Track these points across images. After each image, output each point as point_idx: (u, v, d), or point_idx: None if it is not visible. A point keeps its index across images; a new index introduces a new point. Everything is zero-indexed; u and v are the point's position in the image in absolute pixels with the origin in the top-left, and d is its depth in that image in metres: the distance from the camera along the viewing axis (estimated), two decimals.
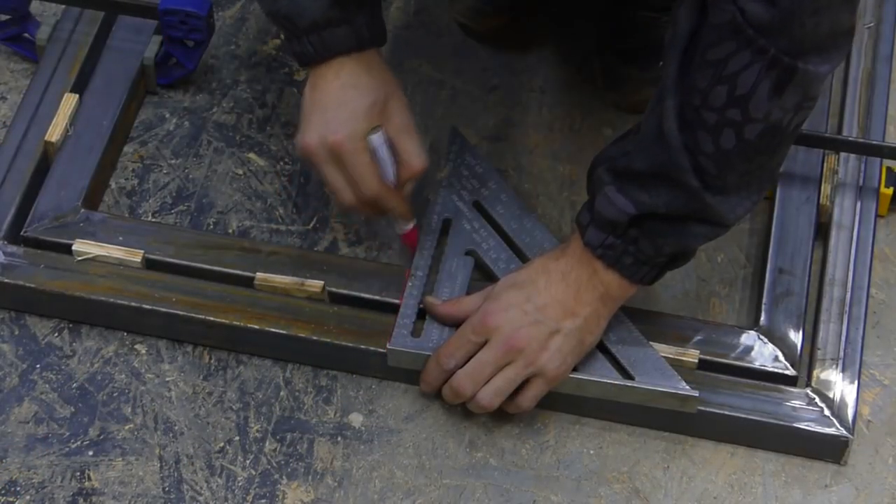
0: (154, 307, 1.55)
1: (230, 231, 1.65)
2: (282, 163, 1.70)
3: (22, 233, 1.60)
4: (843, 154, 1.66)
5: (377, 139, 1.48)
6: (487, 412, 1.50)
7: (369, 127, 1.48)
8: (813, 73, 1.29)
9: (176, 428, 1.52)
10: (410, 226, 1.56)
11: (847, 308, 1.56)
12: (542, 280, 1.46)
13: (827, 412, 1.50)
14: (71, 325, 1.58)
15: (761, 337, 1.55)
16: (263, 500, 1.48)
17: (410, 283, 1.55)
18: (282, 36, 1.78)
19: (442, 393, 1.51)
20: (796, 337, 1.55)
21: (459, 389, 1.48)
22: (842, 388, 1.52)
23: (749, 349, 1.54)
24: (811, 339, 1.56)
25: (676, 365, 1.51)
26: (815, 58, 1.28)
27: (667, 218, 1.38)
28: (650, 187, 1.37)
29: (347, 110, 1.46)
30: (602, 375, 1.49)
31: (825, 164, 1.66)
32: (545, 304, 1.45)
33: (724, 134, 1.31)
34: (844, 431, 1.49)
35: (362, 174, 1.48)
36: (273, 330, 1.54)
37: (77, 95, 1.68)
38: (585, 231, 1.43)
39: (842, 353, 1.54)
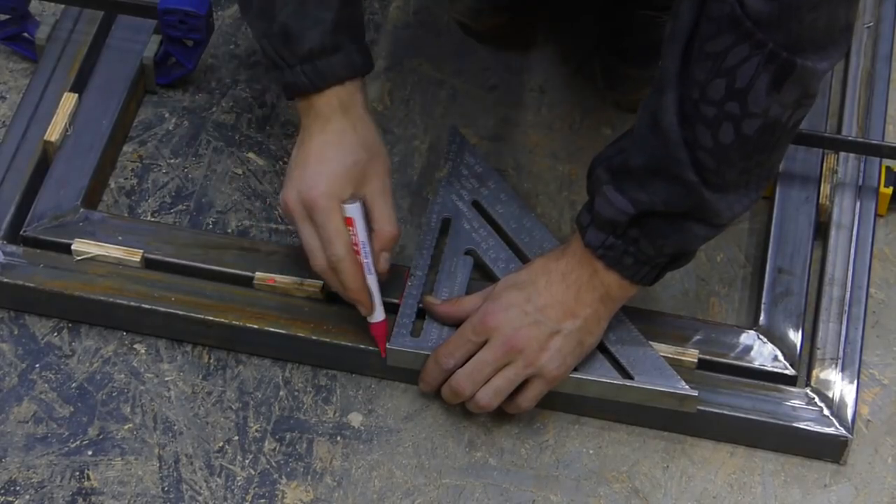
0: (153, 307, 1.55)
1: (229, 230, 1.65)
2: (281, 162, 1.70)
3: (21, 232, 1.60)
4: (842, 153, 1.66)
5: (353, 208, 1.44)
6: (486, 412, 1.50)
7: (348, 187, 1.44)
8: (811, 69, 1.29)
9: (175, 427, 1.52)
10: (375, 318, 1.49)
11: (846, 308, 1.56)
12: (542, 280, 1.46)
13: (826, 412, 1.50)
14: (70, 325, 1.58)
15: (761, 336, 1.55)
16: (263, 500, 1.48)
17: (410, 283, 1.55)
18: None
19: (441, 392, 1.50)
20: (796, 336, 1.55)
21: (458, 389, 1.48)
22: (841, 387, 1.52)
23: (748, 349, 1.54)
24: (811, 338, 1.56)
25: (676, 365, 1.51)
26: (814, 54, 1.28)
27: (666, 216, 1.38)
28: (648, 184, 1.37)
29: (328, 168, 1.44)
30: (601, 375, 1.49)
31: (825, 164, 1.66)
32: (545, 305, 1.45)
33: (722, 128, 1.31)
34: (844, 431, 1.49)
35: (331, 236, 1.43)
36: (272, 329, 1.54)
37: (76, 95, 1.68)
38: (585, 232, 1.43)
39: (841, 353, 1.54)
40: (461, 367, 1.48)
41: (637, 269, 1.43)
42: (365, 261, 1.46)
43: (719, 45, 1.28)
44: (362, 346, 1.53)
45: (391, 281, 1.56)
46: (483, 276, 1.57)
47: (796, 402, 1.51)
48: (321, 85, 1.44)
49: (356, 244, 1.45)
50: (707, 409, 1.50)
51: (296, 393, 1.55)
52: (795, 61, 1.27)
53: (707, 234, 1.40)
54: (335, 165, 1.44)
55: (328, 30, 1.42)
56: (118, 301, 1.55)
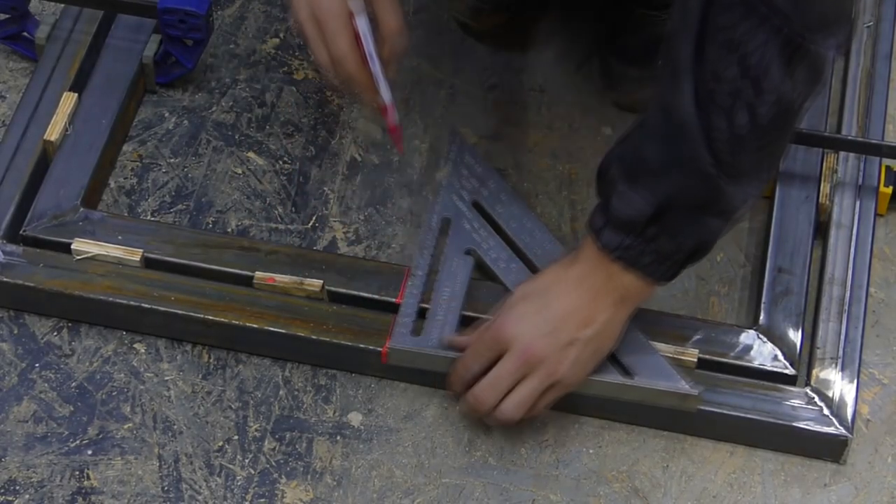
0: (153, 306, 1.55)
1: (229, 230, 1.65)
2: (281, 162, 1.70)
3: (21, 232, 1.60)
4: (842, 153, 1.66)
5: (361, 22, 1.44)
6: (510, 425, 1.49)
7: (356, 2, 1.43)
8: (823, 54, 1.31)
9: (175, 427, 1.52)
10: (390, 118, 1.49)
11: (846, 307, 1.56)
12: (555, 289, 1.45)
13: (826, 411, 1.50)
14: (70, 324, 1.58)
15: (761, 336, 1.55)
16: (262, 500, 1.48)
17: (410, 283, 1.55)
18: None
19: (460, 408, 1.50)
20: (795, 336, 1.55)
21: (480, 400, 1.46)
22: (841, 387, 1.52)
23: (748, 348, 1.54)
24: (810, 338, 1.56)
25: (675, 364, 1.51)
26: (824, 39, 1.30)
27: (684, 211, 1.37)
28: (665, 179, 1.36)
29: None
30: (602, 374, 1.49)
31: (824, 163, 1.66)
32: (560, 314, 1.44)
33: (738, 114, 1.31)
34: (844, 430, 1.49)
35: (341, 49, 1.44)
36: (272, 329, 1.54)
37: (76, 94, 1.68)
38: (601, 234, 1.41)
39: (841, 352, 1.54)
40: (480, 377, 1.47)
41: (656, 267, 1.42)
42: (374, 70, 1.46)
43: (734, 31, 1.28)
44: (362, 346, 1.53)
45: (390, 280, 1.56)
46: (483, 276, 1.57)
47: (796, 402, 1.51)
48: None
49: (366, 54, 1.45)
50: (707, 408, 1.50)
51: (295, 392, 1.55)
52: (809, 45, 1.29)
53: (721, 226, 1.40)
54: None
55: None
56: (118, 300, 1.55)
